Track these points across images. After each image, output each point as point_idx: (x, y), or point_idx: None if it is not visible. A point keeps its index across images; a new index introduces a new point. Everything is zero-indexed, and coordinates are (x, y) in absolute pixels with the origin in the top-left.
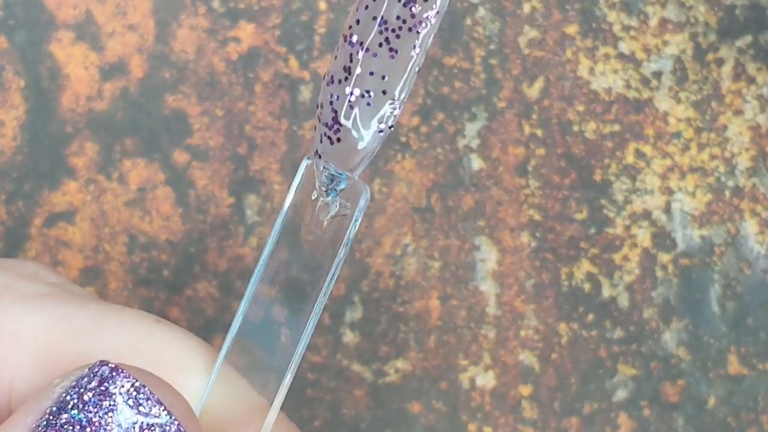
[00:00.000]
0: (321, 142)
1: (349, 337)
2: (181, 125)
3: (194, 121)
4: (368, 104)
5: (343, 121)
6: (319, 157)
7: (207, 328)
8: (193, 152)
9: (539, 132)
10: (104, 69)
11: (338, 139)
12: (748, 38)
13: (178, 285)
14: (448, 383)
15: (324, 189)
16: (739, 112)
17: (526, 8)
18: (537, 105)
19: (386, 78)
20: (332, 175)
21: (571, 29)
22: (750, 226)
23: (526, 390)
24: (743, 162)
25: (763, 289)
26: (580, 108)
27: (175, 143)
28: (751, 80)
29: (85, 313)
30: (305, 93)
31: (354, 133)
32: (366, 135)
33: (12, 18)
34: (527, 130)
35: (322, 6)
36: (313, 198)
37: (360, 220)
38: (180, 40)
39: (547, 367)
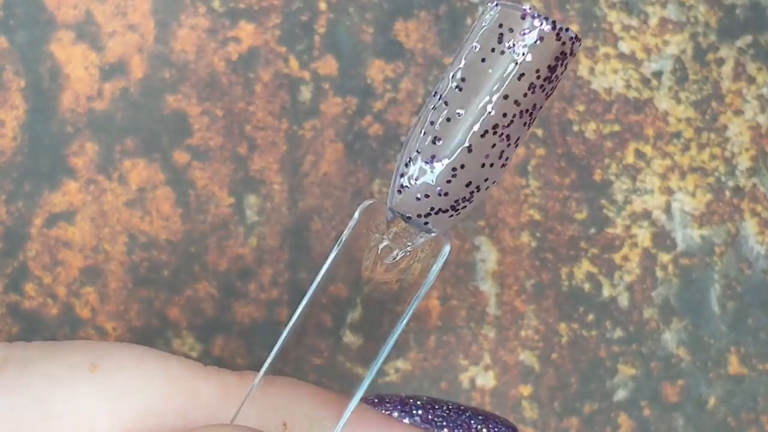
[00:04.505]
0: (436, 214)
1: (350, 338)
2: (181, 125)
3: (194, 121)
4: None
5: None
6: (426, 223)
7: (207, 328)
8: (193, 152)
9: (539, 132)
10: (104, 69)
11: (458, 214)
12: (748, 38)
13: (178, 285)
14: (448, 383)
15: (409, 243)
16: (739, 112)
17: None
18: None
19: (509, 159)
20: (426, 233)
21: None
22: (750, 226)
23: (526, 390)
24: (743, 162)
25: (763, 289)
26: (580, 108)
27: (175, 143)
28: (751, 80)
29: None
30: (305, 93)
31: (473, 206)
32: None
33: (12, 18)
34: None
35: (322, 6)
36: (372, 244)
37: (443, 263)
38: (180, 40)
39: (547, 367)
